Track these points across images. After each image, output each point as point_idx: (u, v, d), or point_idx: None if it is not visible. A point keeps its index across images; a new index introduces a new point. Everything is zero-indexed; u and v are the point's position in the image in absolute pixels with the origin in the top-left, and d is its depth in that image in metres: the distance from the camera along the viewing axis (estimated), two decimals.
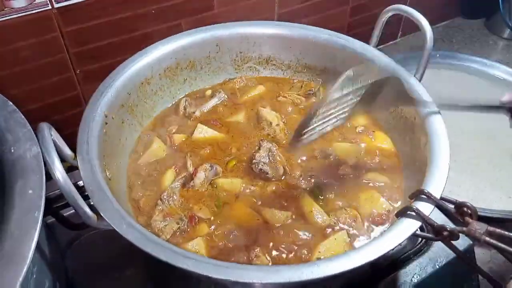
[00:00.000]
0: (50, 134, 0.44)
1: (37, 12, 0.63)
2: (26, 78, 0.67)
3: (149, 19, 0.73)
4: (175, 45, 0.63)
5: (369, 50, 0.59)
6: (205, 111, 0.66)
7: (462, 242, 0.56)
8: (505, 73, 0.93)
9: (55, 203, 0.59)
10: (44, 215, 0.41)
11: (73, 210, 0.44)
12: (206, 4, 0.77)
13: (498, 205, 0.72)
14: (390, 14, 0.58)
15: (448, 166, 0.49)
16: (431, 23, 1.18)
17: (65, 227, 0.56)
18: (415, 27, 1.21)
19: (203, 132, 0.61)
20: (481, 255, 0.69)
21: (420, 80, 0.55)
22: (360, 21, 1.01)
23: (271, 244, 0.50)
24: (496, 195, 0.73)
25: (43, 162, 0.42)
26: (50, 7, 0.63)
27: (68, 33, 0.67)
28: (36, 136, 0.44)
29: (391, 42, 1.13)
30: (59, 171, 0.41)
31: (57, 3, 0.63)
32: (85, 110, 0.53)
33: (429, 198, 0.45)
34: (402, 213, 0.45)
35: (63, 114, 0.74)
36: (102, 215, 0.44)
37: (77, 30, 0.67)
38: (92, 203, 0.45)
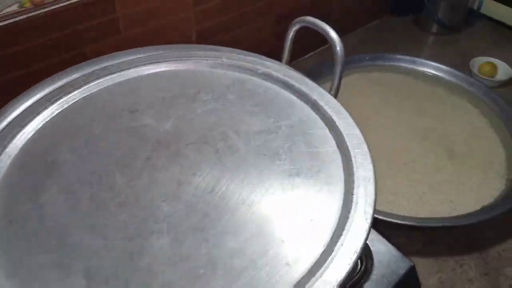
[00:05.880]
0: None
1: None
2: None
3: (45, 51, 0.65)
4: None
5: (279, 70, 0.52)
6: None
7: (403, 265, 0.52)
8: (433, 69, 0.92)
9: None
10: None
11: None
12: (110, 28, 0.70)
13: (441, 210, 0.69)
14: (297, 27, 0.53)
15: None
16: (362, 24, 1.18)
17: None
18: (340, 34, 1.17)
19: None
20: (429, 267, 0.66)
21: (336, 96, 0.51)
22: (287, 29, 0.97)
23: None
24: (438, 200, 0.70)
25: None
26: None
27: None
28: None
29: (318, 50, 1.10)
30: None
31: None
32: None
33: None
34: None
35: None
36: None
37: None
38: None
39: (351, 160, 0.40)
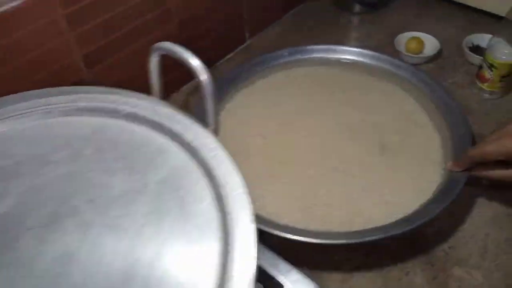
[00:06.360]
0: None
1: None
2: None
3: None
4: None
5: (148, 107, 0.43)
6: None
7: None
8: (356, 55, 0.85)
9: None
10: None
11: None
12: None
13: (378, 216, 0.62)
14: (157, 56, 0.45)
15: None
16: (279, 16, 1.10)
17: None
18: (238, 41, 1.06)
19: None
20: (373, 282, 0.60)
21: (216, 132, 0.42)
22: (194, 36, 0.88)
23: None
24: (373, 204, 0.64)
25: None
26: None
27: None
28: None
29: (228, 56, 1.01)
30: None
31: None
32: None
33: None
34: None
35: None
36: None
37: None
38: None
39: (228, 220, 0.32)
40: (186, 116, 0.40)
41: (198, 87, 0.90)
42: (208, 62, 0.97)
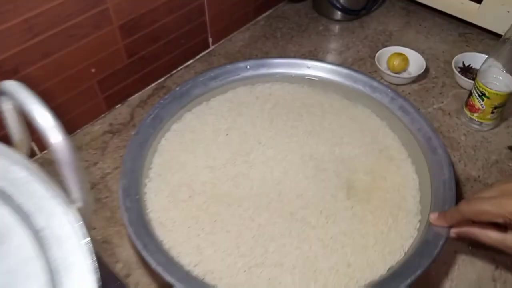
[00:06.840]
0: None
1: None
2: None
3: None
4: None
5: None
6: None
7: None
8: (329, 73, 0.73)
9: None
10: None
11: None
12: None
13: (334, 280, 0.51)
14: (7, 104, 0.32)
15: None
16: (250, 19, 0.97)
17: None
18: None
19: None
20: None
21: (86, 214, 0.30)
22: (141, 41, 0.76)
23: None
24: (331, 264, 0.53)
25: None
26: None
27: None
28: None
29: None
30: None
31: None
32: None
33: None
34: None
35: None
36: None
37: None
38: None
39: None
40: (48, 185, 0.28)
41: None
42: (161, 70, 0.86)
